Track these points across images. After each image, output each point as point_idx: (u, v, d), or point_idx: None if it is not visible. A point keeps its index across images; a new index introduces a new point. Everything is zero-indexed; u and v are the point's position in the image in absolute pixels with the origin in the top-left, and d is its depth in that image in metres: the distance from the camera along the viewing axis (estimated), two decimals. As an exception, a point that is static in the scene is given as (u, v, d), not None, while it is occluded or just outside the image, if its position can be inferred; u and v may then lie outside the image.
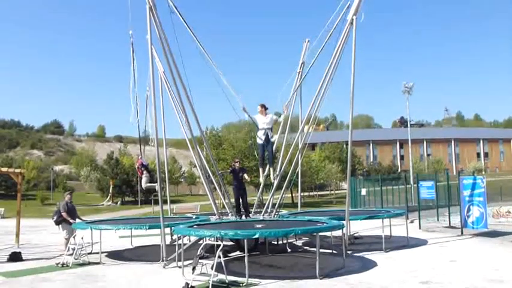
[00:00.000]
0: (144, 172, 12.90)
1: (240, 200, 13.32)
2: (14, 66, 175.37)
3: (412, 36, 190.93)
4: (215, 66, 13.28)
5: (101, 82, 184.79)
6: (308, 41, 15.50)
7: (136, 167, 13.33)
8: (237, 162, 13.80)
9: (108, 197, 50.79)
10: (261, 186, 14.98)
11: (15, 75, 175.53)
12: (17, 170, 16.36)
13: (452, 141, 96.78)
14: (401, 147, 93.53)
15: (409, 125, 46.91)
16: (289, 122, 15.43)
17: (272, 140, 13.21)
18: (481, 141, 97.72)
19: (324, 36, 12.86)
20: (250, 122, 13.40)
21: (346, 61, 12.72)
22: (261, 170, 13.96)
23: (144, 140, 15.54)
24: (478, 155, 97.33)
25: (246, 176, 13.45)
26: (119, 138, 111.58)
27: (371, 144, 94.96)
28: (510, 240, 13.24)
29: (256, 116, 12.96)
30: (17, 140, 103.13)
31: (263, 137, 12.85)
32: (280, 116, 13.70)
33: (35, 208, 41.77)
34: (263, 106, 12.89)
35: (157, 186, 12.62)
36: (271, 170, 13.67)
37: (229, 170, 14.09)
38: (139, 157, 13.30)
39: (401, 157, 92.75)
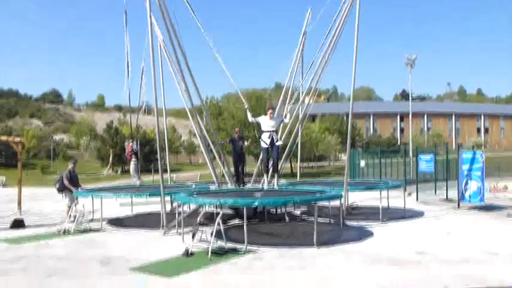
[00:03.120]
0: (133, 158, 13.01)
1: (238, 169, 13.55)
2: (11, 34, 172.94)
3: (416, 8, 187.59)
4: (212, 45, 12.95)
5: (100, 51, 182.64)
6: (311, 10, 15.26)
7: (126, 152, 13.41)
8: (237, 131, 13.71)
9: (108, 166, 51.04)
10: (260, 157, 15.00)
11: (13, 44, 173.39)
12: (17, 139, 16.38)
13: (453, 116, 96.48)
14: (401, 120, 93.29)
15: (410, 98, 46.75)
16: (290, 93, 15.36)
17: (278, 143, 12.09)
18: (482, 117, 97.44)
19: (328, 6, 12.67)
20: (253, 121, 12.33)
21: (348, 32, 12.56)
22: (265, 176, 12.70)
23: (139, 111, 15.52)
24: (479, 130, 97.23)
25: (245, 142, 13.69)
26: (119, 108, 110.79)
27: (371, 117, 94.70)
28: (506, 214, 13.38)
29: (260, 118, 12.09)
30: (16, 109, 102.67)
31: (268, 140, 11.81)
32: (285, 117, 12.83)
33: (35, 177, 42.07)
34: (272, 109, 12.13)
35: (138, 182, 12.80)
36: (276, 176, 12.59)
37: (228, 139, 13.98)
38: (130, 143, 13.33)
39: (401, 130, 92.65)
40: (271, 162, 12.60)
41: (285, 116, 12.87)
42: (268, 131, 11.79)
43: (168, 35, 12.22)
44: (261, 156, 15.44)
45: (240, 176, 13.39)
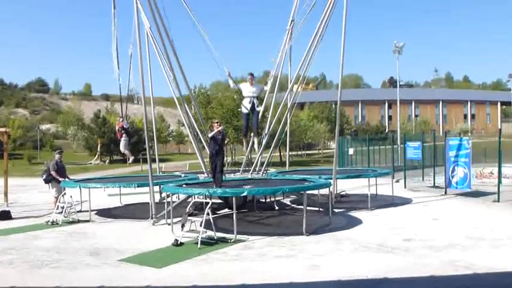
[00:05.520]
0: (124, 135, 12.86)
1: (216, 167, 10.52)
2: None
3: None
4: (202, 30, 13.01)
5: (86, 38, 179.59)
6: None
7: (117, 129, 13.25)
8: (216, 122, 11.09)
9: (96, 155, 50.62)
10: (249, 146, 14.98)
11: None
12: (3, 129, 16.13)
13: (440, 103, 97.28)
14: (389, 107, 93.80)
15: (398, 86, 46.86)
16: (278, 80, 15.27)
17: (258, 109, 12.50)
18: (469, 103, 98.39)
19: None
20: (235, 87, 12.79)
21: (336, 19, 12.52)
22: (244, 141, 13.39)
23: (128, 99, 15.31)
24: (465, 116, 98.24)
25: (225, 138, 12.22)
26: (106, 97, 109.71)
27: (360, 104, 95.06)
28: (492, 200, 13.57)
29: (241, 84, 12.53)
30: (1, 98, 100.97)
31: (248, 106, 12.19)
32: (266, 84, 13.29)
33: (22, 167, 41.54)
34: (252, 75, 12.47)
35: (131, 159, 12.75)
36: (256, 141, 13.26)
37: (208, 133, 11.24)
38: (121, 120, 13.19)
39: (389, 117, 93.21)
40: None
41: (266, 83, 13.15)
42: (248, 97, 12.18)
43: (154, 22, 12.05)
44: (248, 148, 15.47)
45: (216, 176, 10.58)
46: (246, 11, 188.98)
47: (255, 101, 12.31)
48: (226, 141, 11.47)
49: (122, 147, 13.10)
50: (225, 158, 12.66)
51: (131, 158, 12.68)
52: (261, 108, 12.98)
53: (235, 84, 12.62)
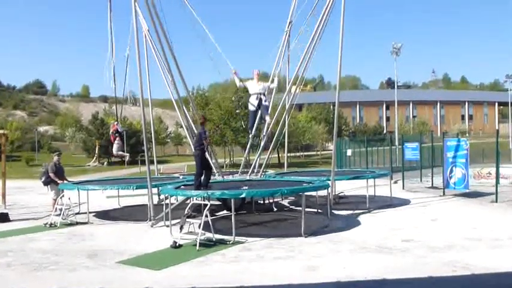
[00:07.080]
0: (117, 139, 12.90)
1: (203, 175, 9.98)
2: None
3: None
4: (206, 28, 12.98)
5: (84, 40, 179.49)
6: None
7: (111, 132, 13.27)
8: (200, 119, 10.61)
9: (94, 157, 50.55)
10: (248, 146, 14.99)
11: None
12: (0, 131, 16.09)
13: (438, 104, 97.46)
14: (387, 108, 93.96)
15: (396, 87, 46.99)
16: (276, 81, 15.27)
17: (266, 103, 12.44)
18: (466, 104, 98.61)
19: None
20: (241, 86, 12.77)
21: (334, 21, 12.54)
22: (250, 135, 13.28)
23: (124, 101, 15.30)
24: (463, 117, 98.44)
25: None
26: (104, 99, 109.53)
27: (358, 105, 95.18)
28: (489, 200, 13.60)
29: (247, 82, 12.48)
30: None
31: (255, 102, 12.19)
32: (273, 81, 13.22)
33: (20, 169, 41.43)
34: (258, 72, 12.52)
35: (126, 157, 12.73)
36: (268, 119, 12.90)
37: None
38: (116, 123, 13.21)
39: (387, 118, 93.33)
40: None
41: (272, 80, 13.10)
42: (255, 93, 12.19)
43: (152, 24, 12.05)
44: (248, 146, 15.47)
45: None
46: (245, 10, 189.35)
47: (262, 96, 12.26)
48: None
49: (114, 150, 13.16)
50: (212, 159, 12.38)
51: (127, 157, 12.74)
52: (268, 104, 12.86)
53: (241, 82, 12.60)
